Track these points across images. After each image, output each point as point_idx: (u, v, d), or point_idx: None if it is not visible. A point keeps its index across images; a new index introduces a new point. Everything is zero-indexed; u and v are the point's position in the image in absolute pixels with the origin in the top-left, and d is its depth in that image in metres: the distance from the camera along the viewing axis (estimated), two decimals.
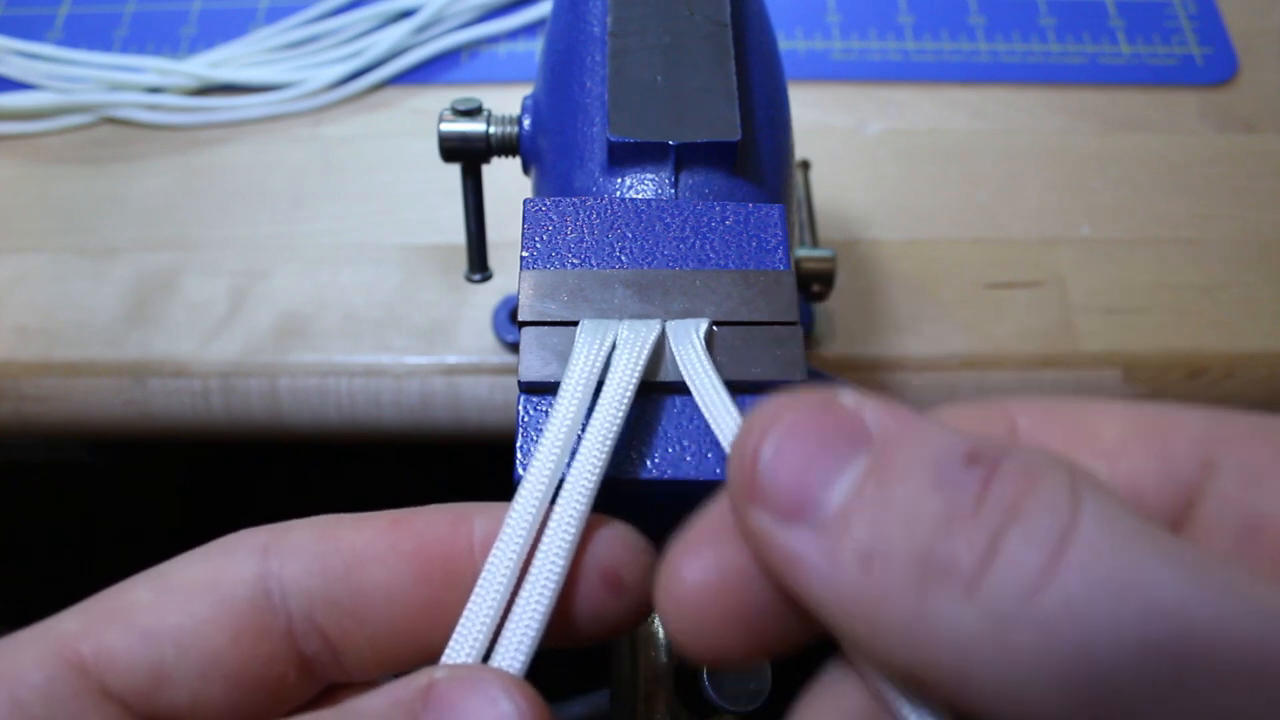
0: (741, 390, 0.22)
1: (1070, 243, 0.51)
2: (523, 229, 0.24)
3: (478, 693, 0.16)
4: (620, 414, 0.20)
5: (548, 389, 0.22)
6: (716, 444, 0.21)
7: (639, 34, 0.29)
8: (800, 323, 0.23)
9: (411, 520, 0.19)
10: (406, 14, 0.58)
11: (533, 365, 0.22)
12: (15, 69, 0.56)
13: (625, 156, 0.27)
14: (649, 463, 0.21)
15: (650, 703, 0.27)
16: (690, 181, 0.27)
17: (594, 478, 0.19)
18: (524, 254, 0.24)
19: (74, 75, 0.56)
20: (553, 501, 0.19)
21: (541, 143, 0.33)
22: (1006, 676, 0.13)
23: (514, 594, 0.18)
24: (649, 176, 0.27)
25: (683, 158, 0.27)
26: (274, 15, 0.59)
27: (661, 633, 0.27)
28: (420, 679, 0.17)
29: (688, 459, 0.21)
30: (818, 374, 0.34)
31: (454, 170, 0.37)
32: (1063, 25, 0.59)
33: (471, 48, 0.58)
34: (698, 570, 0.16)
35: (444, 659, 0.18)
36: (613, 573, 0.19)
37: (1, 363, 0.48)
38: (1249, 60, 0.57)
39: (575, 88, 0.30)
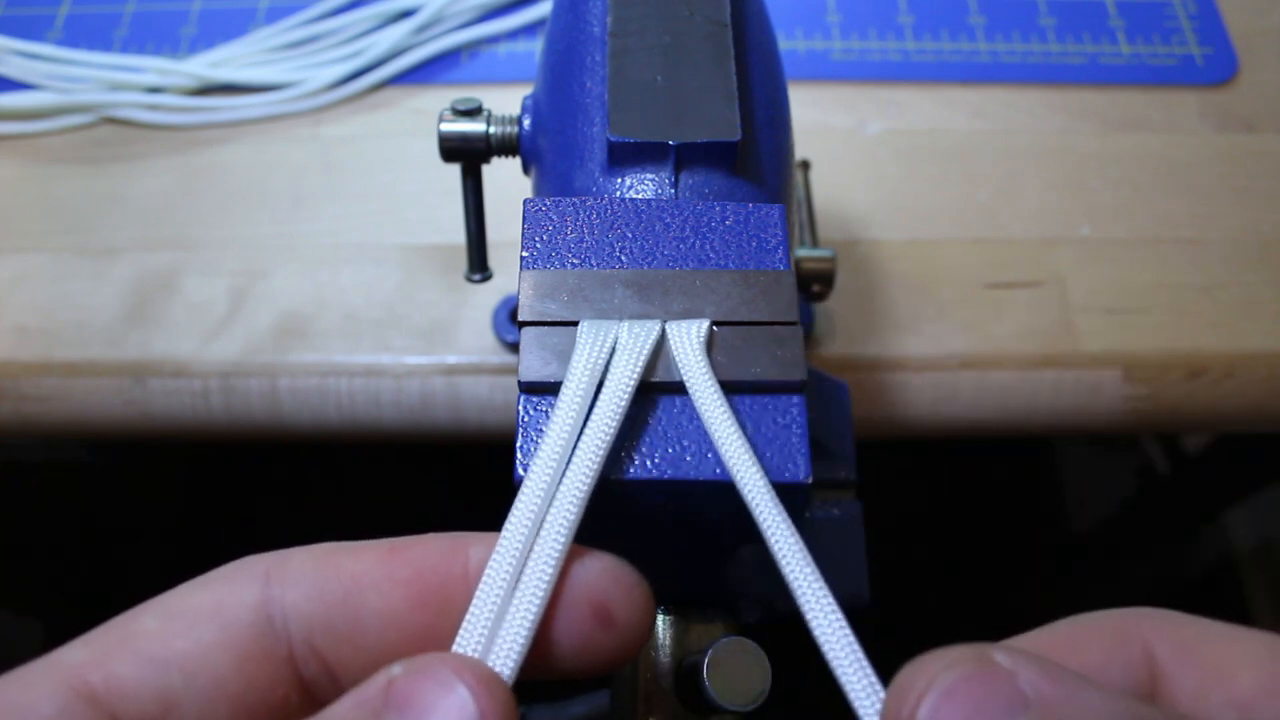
0: (743, 390, 0.22)
1: (1070, 243, 0.51)
2: (523, 229, 0.24)
3: (433, 679, 0.16)
4: (619, 415, 0.20)
5: (548, 389, 0.21)
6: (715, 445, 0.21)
7: (639, 34, 0.29)
8: (800, 323, 0.22)
9: (409, 548, 0.19)
10: (406, 14, 0.58)
11: (533, 365, 0.22)
12: (15, 69, 0.56)
13: (625, 156, 0.27)
14: (649, 463, 0.21)
15: (650, 703, 0.27)
16: (690, 181, 0.27)
17: (590, 479, 0.19)
18: (524, 254, 0.24)
19: (74, 75, 0.56)
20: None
21: (541, 143, 0.33)
22: None
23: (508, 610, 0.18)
24: (649, 176, 0.27)
25: (683, 158, 0.27)
26: (274, 15, 0.59)
27: (661, 633, 0.27)
28: (380, 678, 0.17)
29: (687, 459, 0.21)
30: (818, 374, 0.34)
31: (454, 170, 0.37)
32: (1063, 25, 0.59)
33: (471, 48, 0.58)
34: None
35: None
36: (602, 606, 0.19)
37: (1, 363, 0.48)
38: (1249, 60, 0.57)
39: (575, 88, 0.30)
